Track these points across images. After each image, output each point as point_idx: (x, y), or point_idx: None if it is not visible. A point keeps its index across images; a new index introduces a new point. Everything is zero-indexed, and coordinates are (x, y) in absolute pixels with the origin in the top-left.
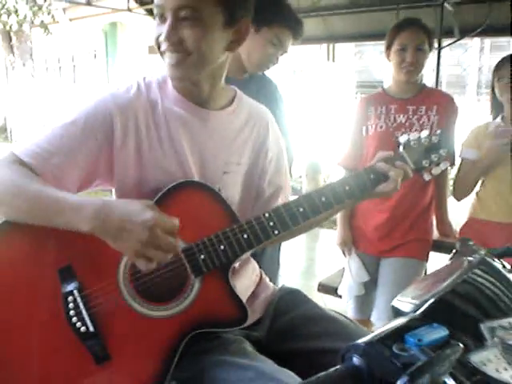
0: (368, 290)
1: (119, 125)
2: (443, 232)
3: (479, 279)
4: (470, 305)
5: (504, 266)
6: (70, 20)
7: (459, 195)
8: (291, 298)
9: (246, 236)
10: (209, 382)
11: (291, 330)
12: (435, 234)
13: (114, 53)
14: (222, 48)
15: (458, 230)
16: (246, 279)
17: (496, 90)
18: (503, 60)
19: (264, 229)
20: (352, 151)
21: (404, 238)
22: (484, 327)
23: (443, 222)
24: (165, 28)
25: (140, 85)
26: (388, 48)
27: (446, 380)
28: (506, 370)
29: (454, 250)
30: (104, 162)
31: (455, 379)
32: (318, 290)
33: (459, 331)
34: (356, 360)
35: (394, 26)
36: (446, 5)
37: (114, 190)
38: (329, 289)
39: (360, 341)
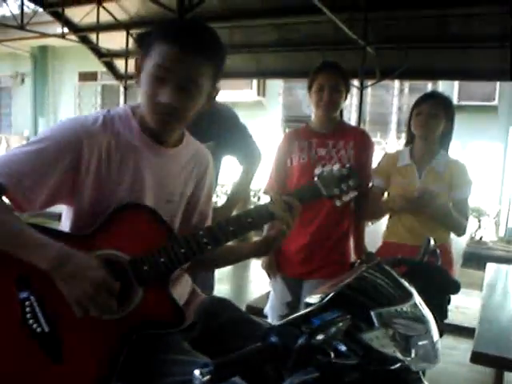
0: (291, 309)
1: (86, 152)
2: (359, 255)
3: (371, 277)
4: (362, 296)
5: (392, 271)
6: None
7: (369, 218)
8: (221, 305)
9: (183, 250)
10: (155, 378)
11: (220, 331)
12: (353, 257)
13: (43, 78)
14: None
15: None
16: (181, 288)
17: (412, 124)
18: (422, 97)
19: (199, 244)
20: (277, 180)
21: (323, 260)
22: (374, 313)
23: (359, 246)
24: (166, 93)
25: (105, 118)
26: (309, 88)
27: (338, 346)
28: (388, 345)
29: (358, 261)
30: (68, 185)
31: (348, 348)
32: (246, 311)
33: (354, 316)
34: (272, 338)
35: (314, 68)
36: (367, 48)
37: (64, 213)
38: (256, 310)
39: (276, 324)
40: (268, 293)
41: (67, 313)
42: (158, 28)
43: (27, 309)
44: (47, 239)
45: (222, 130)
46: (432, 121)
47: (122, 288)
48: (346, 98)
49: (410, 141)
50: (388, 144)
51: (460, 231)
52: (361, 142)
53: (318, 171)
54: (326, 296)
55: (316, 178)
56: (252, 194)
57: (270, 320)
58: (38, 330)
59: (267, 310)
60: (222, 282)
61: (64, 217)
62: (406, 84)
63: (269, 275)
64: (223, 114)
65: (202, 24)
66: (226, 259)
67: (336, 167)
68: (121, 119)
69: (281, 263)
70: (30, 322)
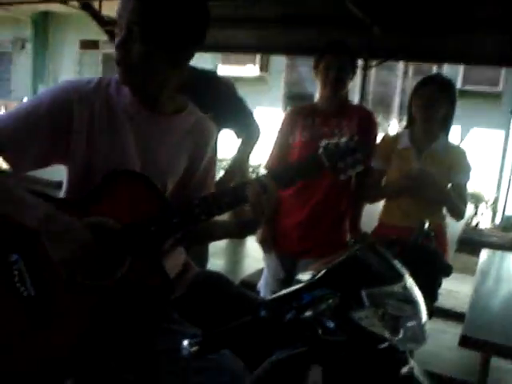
0: (284, 286)
1: (77, 112)
2: (355, 236)
3: (363, 256)
4: (353, 275)
5: (384, 251)
6: None
7: (368, 200)
8: (215, 279)
9: (175, 220)
10: (145, 347)
11: (213, 305)
12: (348, 237)
13: (44, 44)
14: None
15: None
16: (173, 260)
17: (412, 107)
18: (423, 80)
19: (192, 214)
20: (278, 156)
21: (320, 239)
22: (364, 293)
23: (355, 227)
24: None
25: (101, 81)
26: (316, 66)
27: (327, 323)
28: (377, 325)
29: (353, 240)
30: (61, 145)
31: (337, 325)
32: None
33: (344, 294)
34: (262, 312)
35: (322, 46)
36: (374, 28)
37: (64, 176)
38: (250, 285)
39: (267, 298)
40: (262, 269)
41: (55, 277)
42: None
43: (15, 272)
44: (37, 199)
45: (221, 102)
46: (433, 105)
47: (110, 255)
48: (352, 78)
49: (410, 123)
50: (390, 126)
51: (459, 215)
52: (365, 122)
53: (323, 143)
54: (318, 273)
55: (320, 150)
56: (251, 169)
57: (262, 295)
58: (25, 293)
59: (260, 285)
60: (217, 257)
61: (64, 180)
62: (411, 66)
63: (264, 250)
64: (221, 87)
65: None
66: (202, 236)
67: (343, 139)
68: (116, 84)
69: (276, 239)
70: (18, 285)
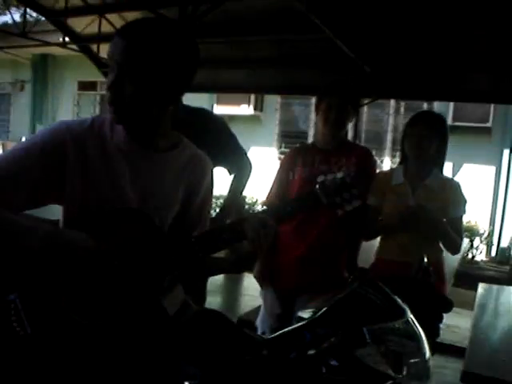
0: (282, 323)
1: (71, 153)
2: (352, 271)
3: (364, 293)
4: (355, 312)
5: (385, 287)
6: None
7: (366, 236)
8: (213, 317)
9: (174, 257)
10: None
11: (212, 344)
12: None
13: (43, 85)
14: None
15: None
16: (173, 298)
17: (405, 145)
18: (415, 118)
19: (190, 250)
20: (277, 192)
21: (319, 275)
22: (366, 330)
23: (353, 264)
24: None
25: (94, 121)
26: (317, 106)
27: (330, 361)
28: (380, 362)
29: (351, 277)
30: (55, 185)
31: (340, 364)
32: (237, 324)
33: (346, 332)
34: (264, 351)
35: (325, 86)
36: (365, 68)
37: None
38: (247, 323)
39: (268, 336)
40: (260, 306)
41: (51, 316)
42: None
43: (12, 311)
44: (35, 222)
45: (214, 139)
46: (425, 142)
47: (108, 289)
48: (353, 118)
49: (403, 160)
50: (383, 163)
51: (455, 250)
52: (363, 160)
53: (319, 179)
54: (319, 311)
55: (317, 186)
56: (247, 206)
57: (260, 332)
58: (21, 332)
59: (258, 322)
60: (214, 295)
61: (60, 219)
62: (402, 103)
63: (261, 286)
64: (214, 124)
65: (157, 23)
66: (200, 272)
67: (339, 175)
68: (110, 123)
69: (274, 274)
70: (14, 324)
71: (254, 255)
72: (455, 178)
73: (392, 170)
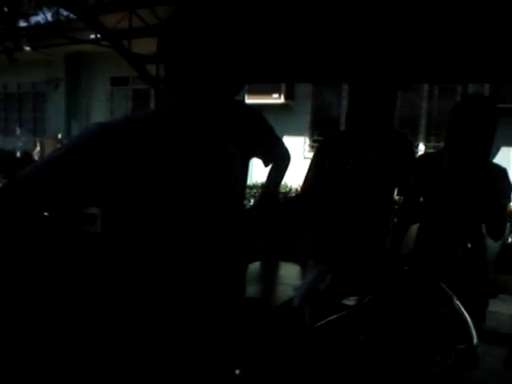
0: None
1: (108, 157)
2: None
3: (408, 281)
4: (400, 300)
5: (430, 275)
6: (33, 48)
7: (408, 220)
8: (255, 306)
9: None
10: None
11: (257, 332)
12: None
13: (77, 83)
14: None
15: None
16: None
17: (453, 129)
18: (465, 102)
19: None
20: (312, 180)
21: (357, 253)
22: (414, 317)
23: (395, 249)
24: None
25: (128, 120)
26: (355, 94)
27: (380, 348)
28: (428, 348)
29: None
30: (95, 189)
31: (389, 350)
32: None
33: (394, 320)
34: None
35: (365, 81)
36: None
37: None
38: (284, 312)
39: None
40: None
41: None
42: None
43: None
44: None
45: (250, 131)
46: (475, 128)
47: None
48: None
49: (450, 144)
50: (417, 148)
51: (498, 236)
52: (399, 145)
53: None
54: (364, 298)
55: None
56: (281, 196)
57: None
58: None
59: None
60: (251, 283)
61: (98, 220)
62: (436, 87)
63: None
64: (251, 116)
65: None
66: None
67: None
68: (143, 122)
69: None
70: None
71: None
72: (496, 161)
73: (437, 153)
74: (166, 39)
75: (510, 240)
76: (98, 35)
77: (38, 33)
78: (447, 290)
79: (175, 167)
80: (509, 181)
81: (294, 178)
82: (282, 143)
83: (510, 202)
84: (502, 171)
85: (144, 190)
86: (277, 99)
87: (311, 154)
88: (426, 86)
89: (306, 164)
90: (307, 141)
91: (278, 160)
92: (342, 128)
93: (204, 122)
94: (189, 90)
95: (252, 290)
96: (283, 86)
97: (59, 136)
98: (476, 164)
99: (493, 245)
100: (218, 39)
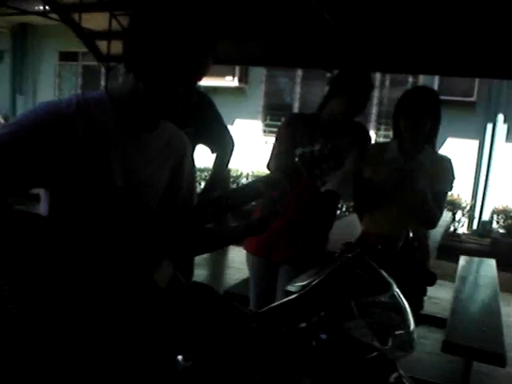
0: (268, 293)
1: (60, 136)
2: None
3: (351, 267)
4: (343, 286)
5: (371, 262)
6: None
7: (357, 208)
8: (203, 291)
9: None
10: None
11: (202, 318)
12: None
13: (23, 56)
14: None
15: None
16: (163, 272)
17: (400, 122)
18: (410, 94)
19: (177, 225)
20: (276, 162)
21: (304, 247)
22: (353, 303)
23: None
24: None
25: (79, 102)
26: (335, 84)
27: (320, 334)
28: (366, 335)
29: (339, 251)
30: (42, 170)
31: (329, 337)
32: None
33: (334, 306)
34: (254, 324)
35: (341, 72)
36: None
37: (42, 196)
38: (234, 296)
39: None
40: (246, 279)
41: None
42: None
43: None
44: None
45: (201, 118)
46: (420, 118)
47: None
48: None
49: (396, 134)
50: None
51: (432, 224)
52: (359, 135)
53: (298, 151)
54: (308, 285)
55: (296, 159)
56: (232, 180)
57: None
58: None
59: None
60: (200, 268)
61: (42, 199)
62: (387, 76)
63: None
64: (203, 101)
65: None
66: (213, 242)
67: (317, 147)
68: (96, 103)
69: (261, 243)
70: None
71: (263, 222)
72: (439, 151)
73: (386, 143)
74: (137, 27)
75: (451, 228)
76: (47, 7)
77: None
78: (387, 277)
79: (128, 154)
80: (452, 170)
81: (246, 162)
82: (228, 130)
83: (451, 190)
84: (447, 161)
85: (90, 172)
86: (230, 82)
87: (264, 139)
88: (378, 76)
89: (259, 148)
90: (260, 125)
91: (225, 147)
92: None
93: (163, 108)
94: (156, 76)
95: (200, 274)
96: (237, 68)
97: (3, 112)
98: (422, 154)
99: (435, 232)
100: (184, 26)
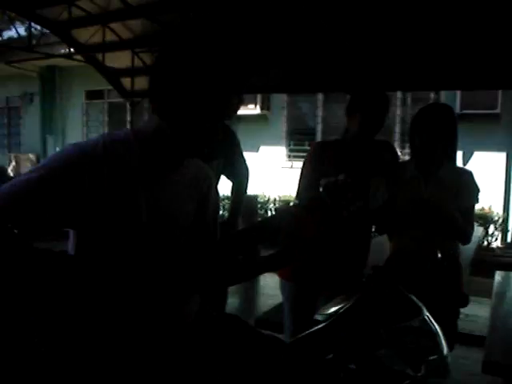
0: (304, 320)
1: (87, 178)
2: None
3: (379, 293)
4: (371, 313)
5: (399, 286)
6: (6, 63)
7: (380, 231)
8: (230, 322)
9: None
10: None
11: (230, 350)
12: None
13: (51, 97)
14: None
15: None
16: (190, 307)
17: (415, 138)
18: (423, 112)
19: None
20: (306, 189)
21: (341, 273)
22: (383, 331)
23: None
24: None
25: (105, 142)
26: (352, 109)
27: (348, 364)
28: (398, 362)
29: (366, 276)
30: (69, 212)
31: (358, 366)
32: (255, 325)
33: (363, 334)
34: (283, 356)
35: (358, 92)
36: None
37: (70, 235)
38: (266, 323)
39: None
40: (278, 305)
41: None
42: None
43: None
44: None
45: (226, 151)
46: (435, 135)
47: None
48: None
49: (414, 153)
50: None
51: (466, 240)
52: (388, 153)
53: (323, 182)
54: (335, 314)
55: (321, 189)
56: (259, 206)
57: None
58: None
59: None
60: (232, 295)
61: (70, 241)
62: (409, 94)
63: (283, 282)
64: (227, 133)
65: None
66: (238, 274)
67: (341, 177)
68: (122, 143)
69: (296, 270)
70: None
71: (286, 252)
72: (467, 167)
73: (404, 163)
74: (161, 65)
75: (485, 243)
76: (72, 49)
77: (10, 48)
78: (417, 301)
79: (155, 192)
80: (475, 182)
81: (272, 187)
82: (244, 159)
83: (477, 203)
84: (468, 174)
85: (117, 211)
86: (253, 110)
87: (288, 163)
88: (399, 94)
89: (284, 173)
90: (284, 150)
91: (242, 175)
92: (318, 137)
93: (188, 147)
94: (181, 115)
95: (232, 302)
96: (259, 96)
97: (34, 153)
98: (441, 170)
99: (467, 248)
100: (209, 64)
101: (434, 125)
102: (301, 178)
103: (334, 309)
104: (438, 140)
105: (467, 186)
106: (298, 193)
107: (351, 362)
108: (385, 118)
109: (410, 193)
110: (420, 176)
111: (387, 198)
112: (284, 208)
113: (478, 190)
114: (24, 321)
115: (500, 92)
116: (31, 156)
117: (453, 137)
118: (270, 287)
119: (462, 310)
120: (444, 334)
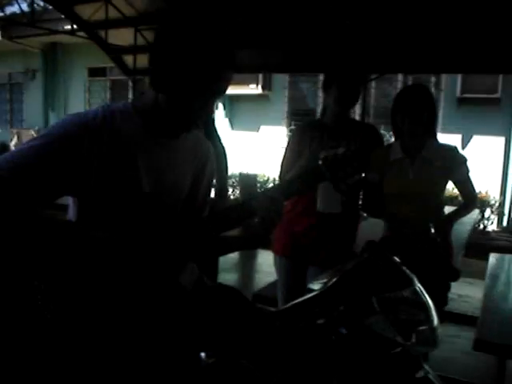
0: (295, 294)
1: (87, 147)
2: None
3: (372, 263)
4: (364, 282)
5: (392, 257)
6: (9, 39)
7: (370, 213)
8: (228, 294)
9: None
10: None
11: (227, 320)
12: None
13: (54, 73)
14: None
15: None
16: (189, 275)
17: (397, 120)
18: (402, 94)
19: (204, 230)
20: (288, 170)
21: (330, 248)
22: (375, 299)
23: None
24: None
25: (105, 113)
26: (327, 85)
27: (340, 329)
28: (389, 330)
29: (361, 249)
30: (71, 180)
31: (349, 331)
32: (253, 300)
33: (355, 301)
34: (277, 322)
35: (334, 67)
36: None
37: (70, 204)
38: (262, 299)
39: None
40: (274, 282)
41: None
42: None
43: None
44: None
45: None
46: (416, 115)
47: None
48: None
49: (398, 135)
50: (392, 136)
51: (474, 206)
52: (369, 137)
53: (322, 155)
54: (328, 282)
55: (320, 162)
56: (259, 185)
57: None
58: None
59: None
60: (229, 272)
61: (70, 208)
62: (410, 77)
63: (275, 256)
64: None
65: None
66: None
67: (340, 150)
68: (121, 113)
69: (288, 245)
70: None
71: (266, 231)
72: (465, 151)
73: (389, 145)
74: (158, 42)
75: (481, 226)
76: (75, 26)
77: (13, 23)
78: (409, 273)
79: (154, 161)
80: (460, 155)
81: (272, 167)
82: (220, 139)
83: (470, 171)
84: (451, 148)
85: (118, 179)
86: (254, 89)
87: None
88: (400, 77)
89: None
90: (285, 131)
91: (219, 156)
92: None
93: (182, 119)
94: (176, 89)
95: (229, 279)
96: (260, 76)
97: (36, 128)
98: (425, 149)
99: (462, 230)
100: (201, 40)
101: (415, 106)
102: (283, 161)
103: (327, 279)
104: (421, 120)
105: (454, 162)
106: (279, 176)
107: (342, 327)
108: (360, 90)
109: (396, 174)
110: (406, 157)
111: (377, 180)
112: (261, 192)
113: (466, 160)
114: (27, 285)
115: (501, 77)
116: (33, 132)
117: (433, 115)
118: (267, 264)
119: (455, 290)
120: (434, 306)
